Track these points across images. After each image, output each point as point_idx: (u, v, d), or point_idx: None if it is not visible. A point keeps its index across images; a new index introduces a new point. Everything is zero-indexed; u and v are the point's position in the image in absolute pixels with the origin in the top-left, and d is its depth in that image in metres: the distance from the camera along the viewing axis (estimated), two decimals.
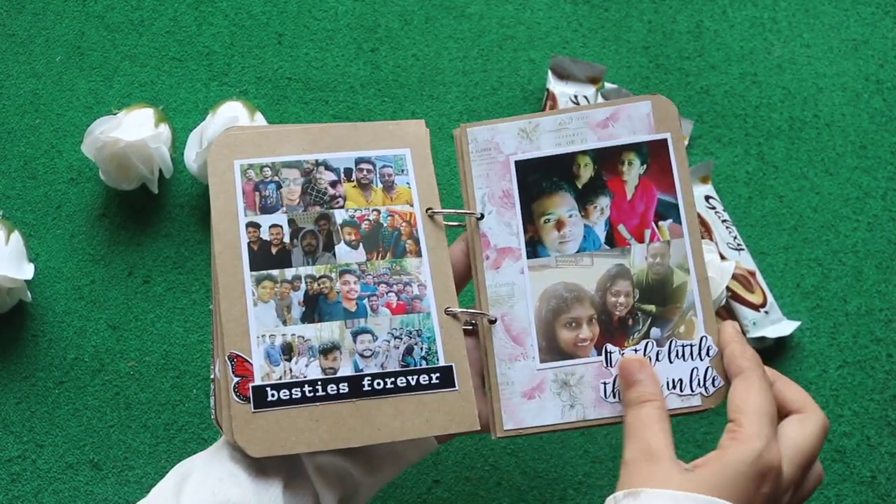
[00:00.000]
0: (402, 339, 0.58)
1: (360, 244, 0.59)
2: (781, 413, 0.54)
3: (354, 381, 0.56)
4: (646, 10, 0.89)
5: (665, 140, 0.61)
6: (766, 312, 0.77)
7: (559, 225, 0.60)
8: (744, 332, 0.77)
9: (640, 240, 0.60)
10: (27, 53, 0.84)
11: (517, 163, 0.62)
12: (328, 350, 0.57)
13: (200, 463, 0.56)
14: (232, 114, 0.76)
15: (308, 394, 0.55)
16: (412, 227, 0.60)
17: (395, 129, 0.62)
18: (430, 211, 0.61)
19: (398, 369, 0.57)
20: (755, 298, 0.78)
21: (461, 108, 0.84)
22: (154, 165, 0.76)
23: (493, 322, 0.59)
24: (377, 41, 0.86)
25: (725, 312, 0.78)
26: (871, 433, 0.77)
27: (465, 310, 0.59)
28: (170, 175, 0.78)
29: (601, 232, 0.60)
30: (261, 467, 0.56)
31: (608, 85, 0.85)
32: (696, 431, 0.76)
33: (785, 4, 0.90)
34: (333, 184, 0.60)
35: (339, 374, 0.56)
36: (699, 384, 0.57)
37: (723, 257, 0.78)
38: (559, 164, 0.61)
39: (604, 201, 0.61)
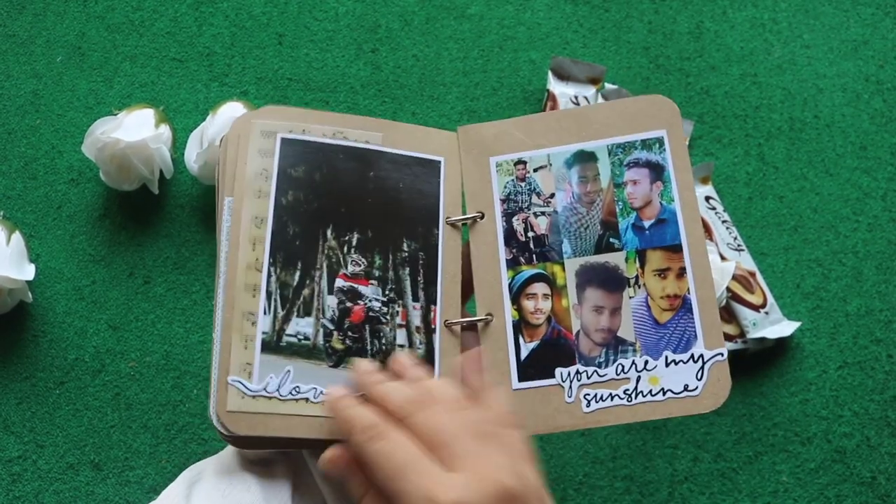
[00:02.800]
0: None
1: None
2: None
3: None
4: (646, 10, 0.89)
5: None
6: (767, 313, 0.78)
7: None
8: (744, 333, 0.77)
9: None
10: (28, 54, 0.84)
11: None
12: None
13: (210, 467, 0.56)
14: (232, 114, 0.76)
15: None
16: None
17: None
18: (449, 220, 0.60)
19: None
20: (755, 299, 0.78)
21: (461, 109, 0.84)
22: (154, 166, 0.76)
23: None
24: (377, 42, 0.86)
25: (726, 313, 0.78)
26: (870, 433, 0.77)
27: (464, 320, 0.59)
28: (170, 175, 0.78)
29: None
30: (270, 472, 0.55)
31: (608, 85, 0.85)
32: (696, 432, 0.76)
33: (785, 5, 0.90)
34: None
35: None
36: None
37: (723, 258, 0.78)
38: None
39: None
